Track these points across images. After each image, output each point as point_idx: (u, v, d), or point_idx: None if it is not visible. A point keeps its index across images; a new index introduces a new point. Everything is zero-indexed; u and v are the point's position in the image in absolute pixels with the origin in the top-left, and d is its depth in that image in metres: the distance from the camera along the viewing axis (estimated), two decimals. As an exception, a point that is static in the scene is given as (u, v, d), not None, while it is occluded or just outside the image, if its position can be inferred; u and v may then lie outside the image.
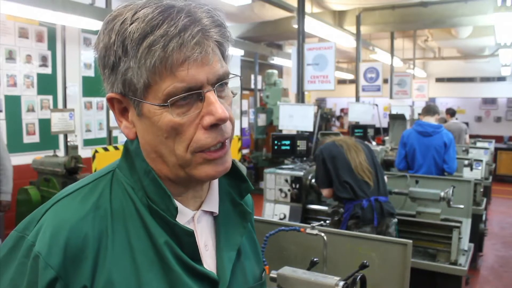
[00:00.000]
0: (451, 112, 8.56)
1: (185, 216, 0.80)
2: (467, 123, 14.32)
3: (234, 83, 0.81)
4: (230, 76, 0.78)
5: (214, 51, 0.74)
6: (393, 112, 8.08)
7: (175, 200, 0.78)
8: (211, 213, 0.86)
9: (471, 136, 8.93)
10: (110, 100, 0.77)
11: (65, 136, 5.31)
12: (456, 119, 8.62)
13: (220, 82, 0.74)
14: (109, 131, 5.29)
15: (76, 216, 0.72)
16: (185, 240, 0.76)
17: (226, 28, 0.76)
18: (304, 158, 4.40)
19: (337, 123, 14.78)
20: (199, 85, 0.71)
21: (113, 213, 0.75)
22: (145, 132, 0.76)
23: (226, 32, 0.76)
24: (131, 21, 0.70)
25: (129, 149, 0.81)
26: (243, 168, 2.37)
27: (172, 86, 0.70)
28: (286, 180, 3.94)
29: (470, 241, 3.68)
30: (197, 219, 0.83)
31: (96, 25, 4.35)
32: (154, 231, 0.75)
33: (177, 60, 0.69)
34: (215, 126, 0.73)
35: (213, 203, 0.85)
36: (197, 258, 0.78)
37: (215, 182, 0.87)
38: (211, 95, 0.72)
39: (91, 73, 6.53)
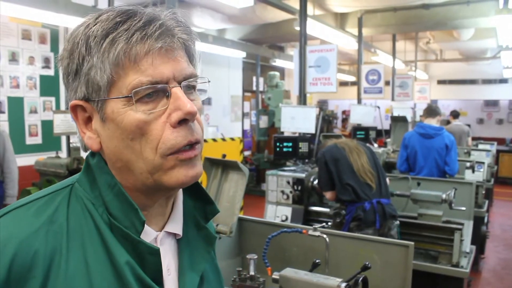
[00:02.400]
0: (454, 114, 8.56)
1: (148, 236, 0.74)
2: (469, 125, 14.33)
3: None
4: (199, 81, 0.75)
5: (180, 48, 0.72)
6: (395, 114, 8.09)
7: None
8: (174, 235, 0.80)
9: (473, 139, 8.92)
10: (74, 109, 0.73)
11: (68, 138, 5.31)
12: (459, 121, 8.63)
13: (186, 80, 0.72)
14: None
15: (27, 230, 0.66)
16: (149, 260, 0.71)
17: (190, 27, 0.75)
18: (306, 160, 4.41)
19: (339, 125, 14.78)
20: (165, 80, 0.69)
21: (69, 229, 0.69)
22: (109, 139, 0.71)
23: (191, 30, 0.75)
24: (94, 23, 0.70)
25: (90, 163, 0.75)
26: (245, 170, 2.38)
27: (137, 80, 0.67)
28: (288, 182, 3.94)
29: (472, 243, 3.67)
30: (160, 241, 0.77)
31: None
32: (114, 250, 0.69)
33: (141, 51, 0.68)
34: (184, 123, 0.70)
35: (177, 224, 0.80)
36: (159, 281, 0.73)
37: (179, 202, 0.81)
38: (178, 91, 0.70)
39: (93, 74, 6.54)
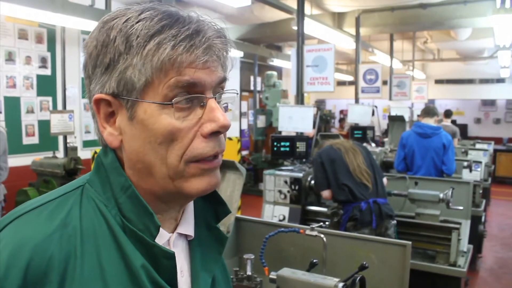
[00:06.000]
0: (447, 113, 8.55)
1: (161, 238, 0.73)
2: (466, 125, 14.38)
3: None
4: (227, 91, 0.76)
5: (218, 60, 0.72)
6: (393, 113, 8.10)
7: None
8: (186, 236, 0.80)
9: (470, 138, 8.93)
10: (97, 102, 0.71)
11: (65, 138, 5.31)
12: (451, 121, 8.60)
13: (220, 84, 0.72)
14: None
15: (41, 234, 0.64)
16: (164, 264, 0.70)
17: (227, 39, 0.74)
18: (304, 160, 4.41)
19: (337, 125, 14.78)
20: (202, 83, 0.68)
21: (83, 232, 0.68)
22: (134, 139, 0.69)
23: (228, 42, 0.74)
24: (137, 20, 0.67)
25: (102, 163, 0.73)
26: (243, 170, 2.37)
27: (174, 79, 0.66)
28: (286, 182, 3.94)
29: (469, 242, 3.68)
30: (173, 243, 0.76)
31: (96, 26, 4.36)
32: (129, 253, 0.68)
33: (186, 60, 0.66)
34: (215, 135, 0.70)
35: (189, 226, 0.79)
36: (173, 284, 0.72)
37: (190, 203, 0.81)
38: (213, 102, 0.70)
39: (90, 74, 6.53)
